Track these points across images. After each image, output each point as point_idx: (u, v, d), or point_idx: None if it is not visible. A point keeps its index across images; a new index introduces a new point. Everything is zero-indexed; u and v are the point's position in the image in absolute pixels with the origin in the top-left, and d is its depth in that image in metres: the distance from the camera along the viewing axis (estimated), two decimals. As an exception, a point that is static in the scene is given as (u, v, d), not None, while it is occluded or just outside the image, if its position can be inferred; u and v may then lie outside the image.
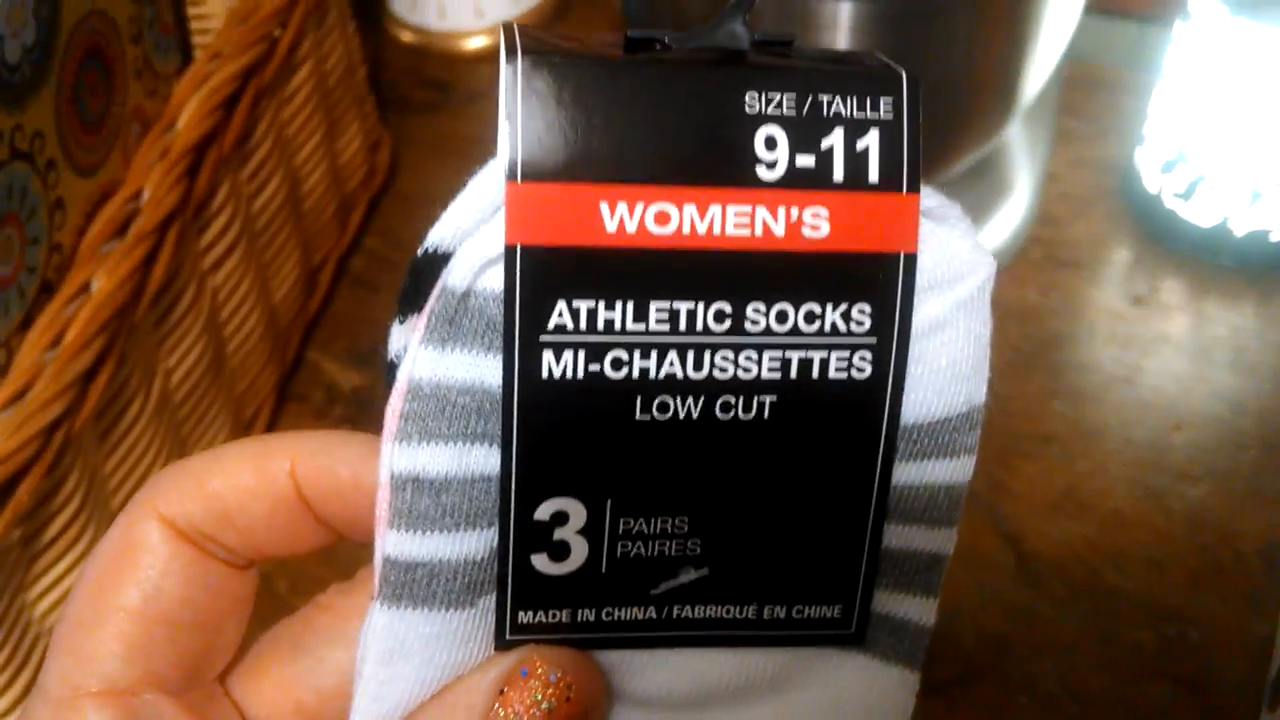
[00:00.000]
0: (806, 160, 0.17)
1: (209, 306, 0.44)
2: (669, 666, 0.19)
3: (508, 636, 0.18)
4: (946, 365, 0.18)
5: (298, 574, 0.47)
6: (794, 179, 0.17)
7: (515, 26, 0.17)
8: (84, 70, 0.38)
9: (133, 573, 0.19)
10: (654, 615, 0.18)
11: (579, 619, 0.18)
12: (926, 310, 0.18)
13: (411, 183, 0.60)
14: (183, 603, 0.19)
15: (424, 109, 0.63)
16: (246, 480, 0.19)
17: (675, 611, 0.18)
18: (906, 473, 0.18)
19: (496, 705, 0.18)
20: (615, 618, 0.18)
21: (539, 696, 0.18)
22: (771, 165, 0.17)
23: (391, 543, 0.18)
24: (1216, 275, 0.52)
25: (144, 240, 0.39)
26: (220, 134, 0.43)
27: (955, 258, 0.18)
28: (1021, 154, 0.55)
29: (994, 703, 0.42)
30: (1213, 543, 0.45)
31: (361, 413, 0.51)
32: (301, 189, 0.51)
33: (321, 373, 0.53)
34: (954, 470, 0.19)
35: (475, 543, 0.18)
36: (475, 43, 0.66)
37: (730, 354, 0.17)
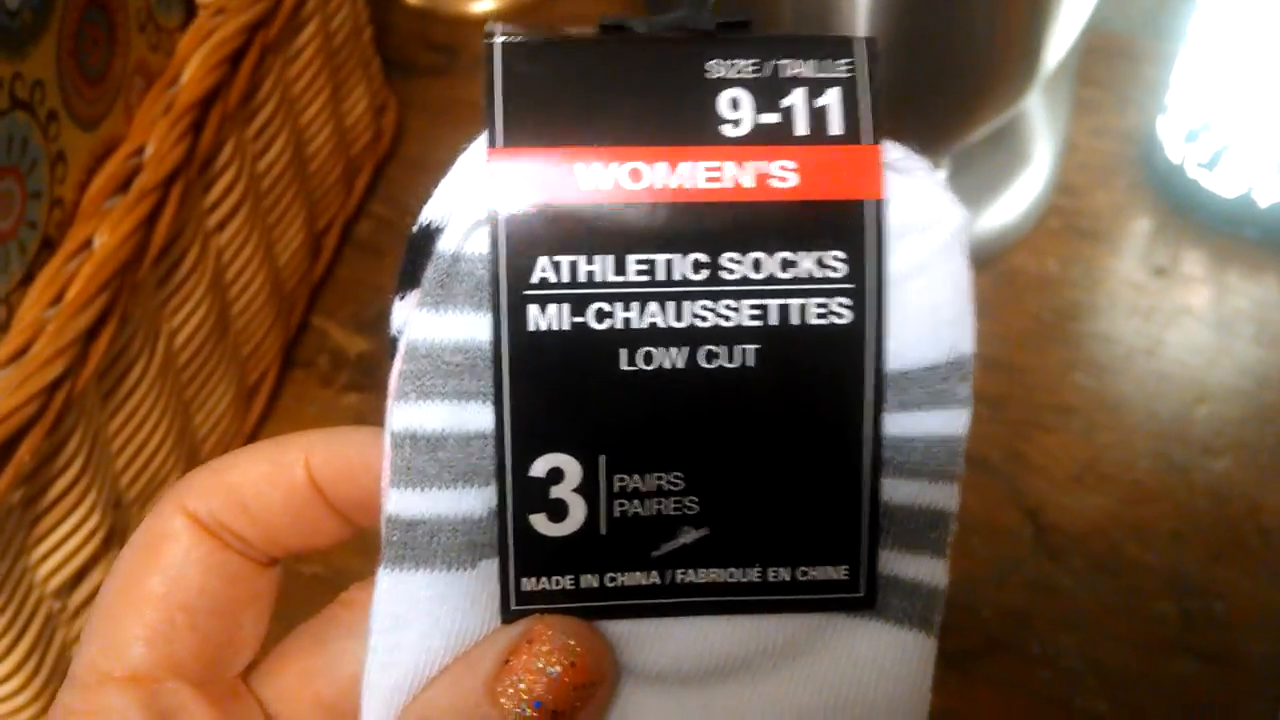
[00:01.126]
0: (770, 118, 0.18)
1: (213, 267, 0.43)
2: (677, 638, 0.19)
3: (513, 606, 0.18)
4: (927, 310, 0.18)
5: (326, 559, 0.46)
6: (758, 135, 0.18)
7: (496, 23, 0.18)
8: (86, 21, 0.37)
9: (157, 562, 0.19)
10: (657, 580, 0.18)
11: (583, 585, 0.18)
12: (901, 256, 0.18)
13: (417, 148, 0.59)
14: (202, 591, 0.20)
15: (430, 73, 0.62)
16: (261, 470, 0.20)
17: (678, 576, 0.18)
18: (899, 424, 0.19)
19: (503, 674, 0.18)
20: (619, 584, 0.18)
21: (542, 664, 0.18)
22: (736, 123, 0.18)
23: (392, 501, 0.18)
24: (1239, 247, 0.51)
25: (147, 196, 0.37)
26: (225, 90, 0.42)
27: (925, 205, 0.18)
28: (1041, 123, 0.54)
29: (1014, 676, 0.41)
30: (1237, 517, 0.44)
31: (367, 379, 0.50)
32: (307, 150, 0.50)
33: (327, 338, 0.52)
34: (948, 422, 0.19)
35: (474, 500, 0.18)
36: (481, 6, 0.64)
37: (709, 302, 0.18)
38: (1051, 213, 0.53)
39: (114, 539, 0.39)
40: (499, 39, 0.18)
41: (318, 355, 0.51)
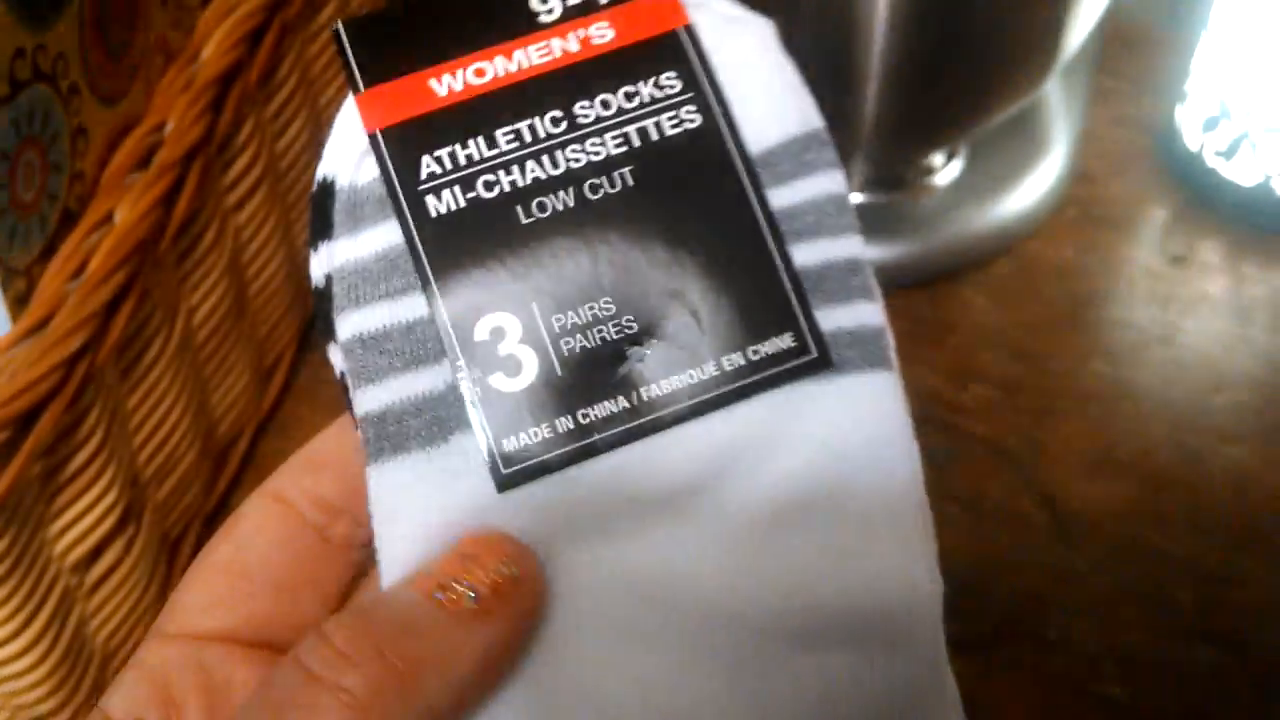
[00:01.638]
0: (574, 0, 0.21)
1: (231, 246, 0.43)
2: (666, 457, 0.20)
3: (504, 472, 0.20)
4: (764, 94, 0.21)
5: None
6: (570, 13, 0.21)
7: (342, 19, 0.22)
8: (107, -4, 0.37)
9: (230, 533, 0.21)
10: (626, 404, 0.20)
11: (560, 429, 0.20)
12: (722, 57, 0.21)
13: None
14: (265, 563, 0.20)
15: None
16: (346, 437, 0.21)
17: (644, 394, 0.20)
18: (782, 196, 0.21)
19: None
20: (593, 418, 0.20)
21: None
22: (550, 11, 0.21)
23: (359, 403, 0.20)
24: (1257, 236, 0.51)
25: (167, 172, 0.37)
26: (244, 68, 0.42)
27: (731, 20, 0.21)
28: (1058, 111, 0.54)
29: (1031, 661, 0.41)
30: (1255, 505, 0.44)
31: (382, 363, 0.50)
32: (325, 133, 0.50)
33: (342, 322, 0.52)
34: (826, 184, 0.21)
35: (430, 379, 0.20)
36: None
37: (576, 146, 0.20)
38: (1069, 201, 0.53)
39: (130, 516, 0.39)
40: (339, 23, 0.21)
41: (333, 337, 0.51)
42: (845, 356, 0.20)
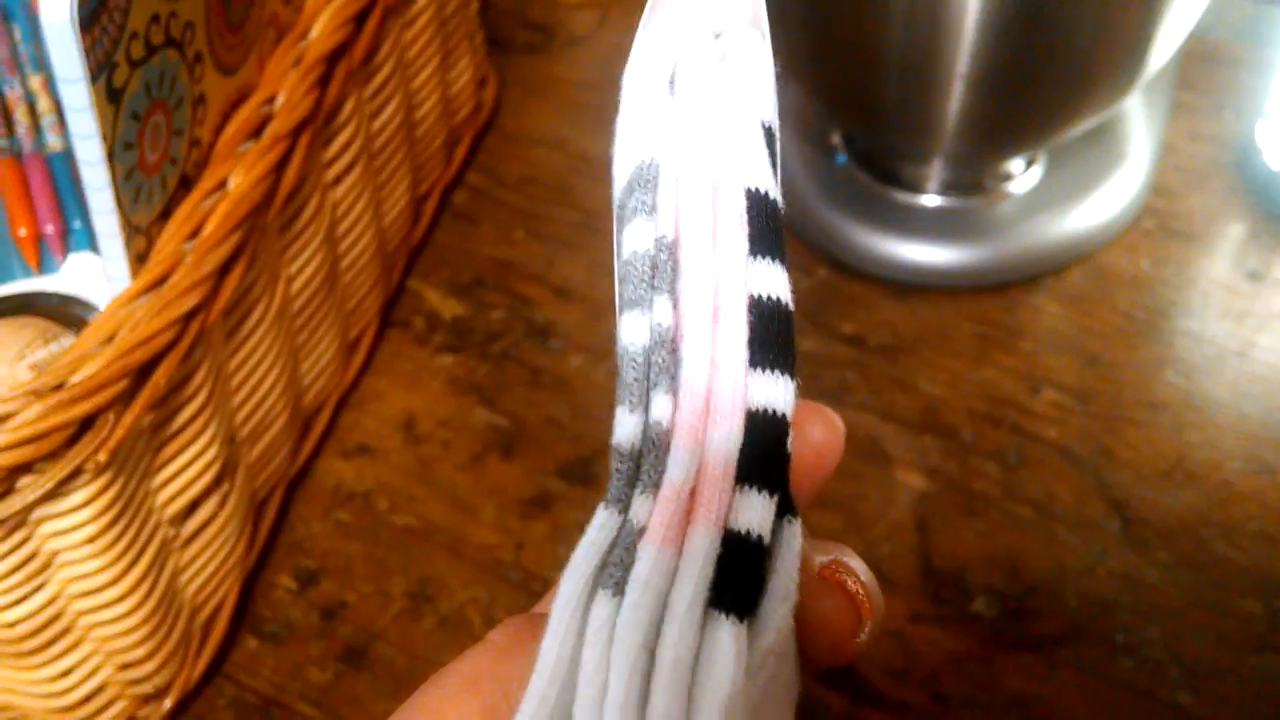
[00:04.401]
0: None
1: (329, 220, 0.45)
2: None
3: None
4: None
5: (397, 492, 0.47)
6: None
7: None
8: (227, -29, 0.38)
9: None
10: None
11: None
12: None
13: (513, 122, 0.60)
14: None
15: (526, 50, 0.63)
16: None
17: None
18: None
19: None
20: None
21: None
22: None
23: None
24: (1335, 256, 0.51)
25: (279, 143, 0.39)
26: (349, 47, 0.43)
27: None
28: (1139, 124, 0.54)
29: (1096, 663, 0.42)
30: (1327, 519, 0.44)
31: (460, 341, 0.51)
32: (416, 115, 0.51)
33: (423, 301, 0.53)
34: None
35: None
36: (580, -11, 0.65)
37: None
38: (1146, 213, 0.53)
39: (226, 473, 0.40)
40: None
41: (414, 316, 0.52)
42: None
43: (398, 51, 0.48)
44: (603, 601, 0.16)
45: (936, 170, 0.52)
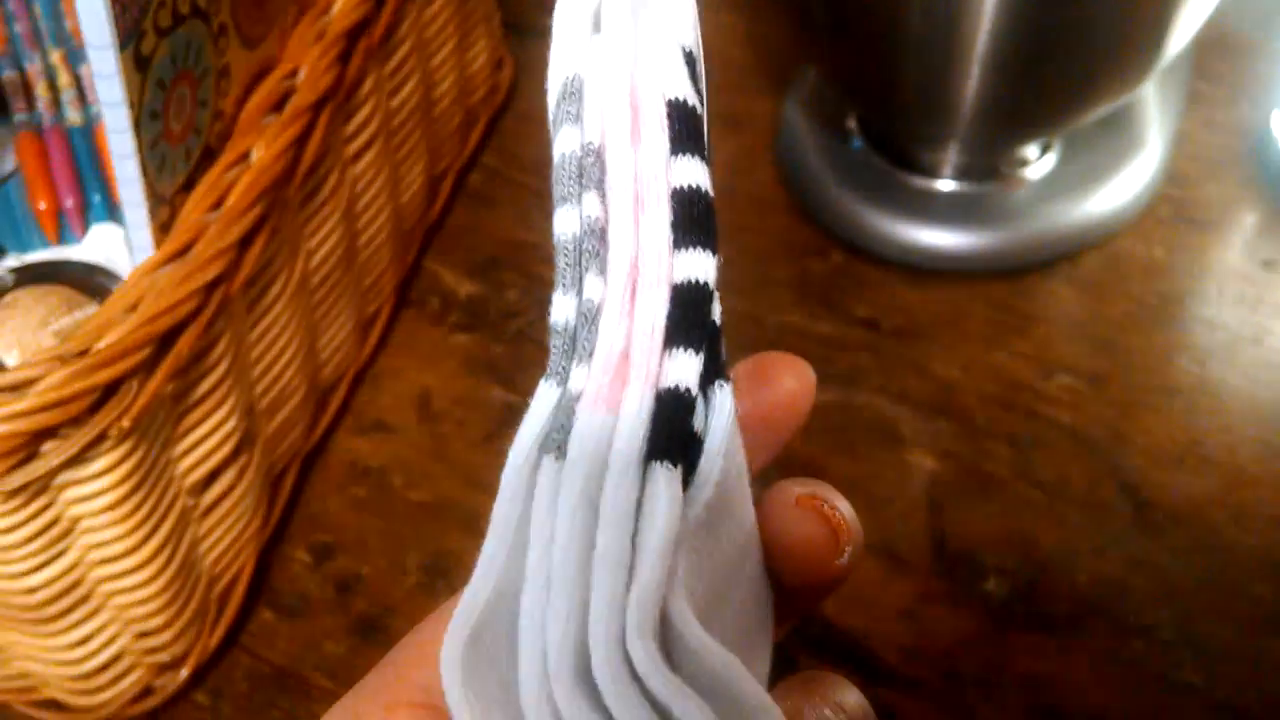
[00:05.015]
0: None
1: (348, 196, 0.45)
2: None
3: None
4: None
5: (412, 468, 0.47)
6: None
7: None
8: (251, -55, 0.38)
9: None
10: None
11: None
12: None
13: (528, 105, 0.60)
14: None
15: (541, 34, 0.62)
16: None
17: None
18: None
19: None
20: None
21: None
22: None
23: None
24: (1349, 245, 0.51)
25: (300, 116, 0.39)
26: (370, 24, 0.43)
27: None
28: (1154, 112, 0.54)
29: (1108, 644, 0.42)
30: (1339, 505, 0.44)
31: (475, 320, 0.51)
32: (433, 94, 0.51)
33: (438, 280, 0.53)
34: None
35: None
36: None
37: None
38: (1161, 201, 0.53)
39: (244, 445, 0.40)
40: None
41: (429, 295, 0.53)
42: None
43: (416, 30, 0.48)
44: (547, 465, 0.17)
45: (952, 155, 0.52)
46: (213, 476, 0.39)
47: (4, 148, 0.46)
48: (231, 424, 0.38)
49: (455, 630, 0.16)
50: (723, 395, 0.18)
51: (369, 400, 0.49)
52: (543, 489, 0.17)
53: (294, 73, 0.40)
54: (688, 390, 0.17)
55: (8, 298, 0.38)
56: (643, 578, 0.15)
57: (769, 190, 0.55)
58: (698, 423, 0.17)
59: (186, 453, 0.37)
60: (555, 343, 0.18)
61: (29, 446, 0.32)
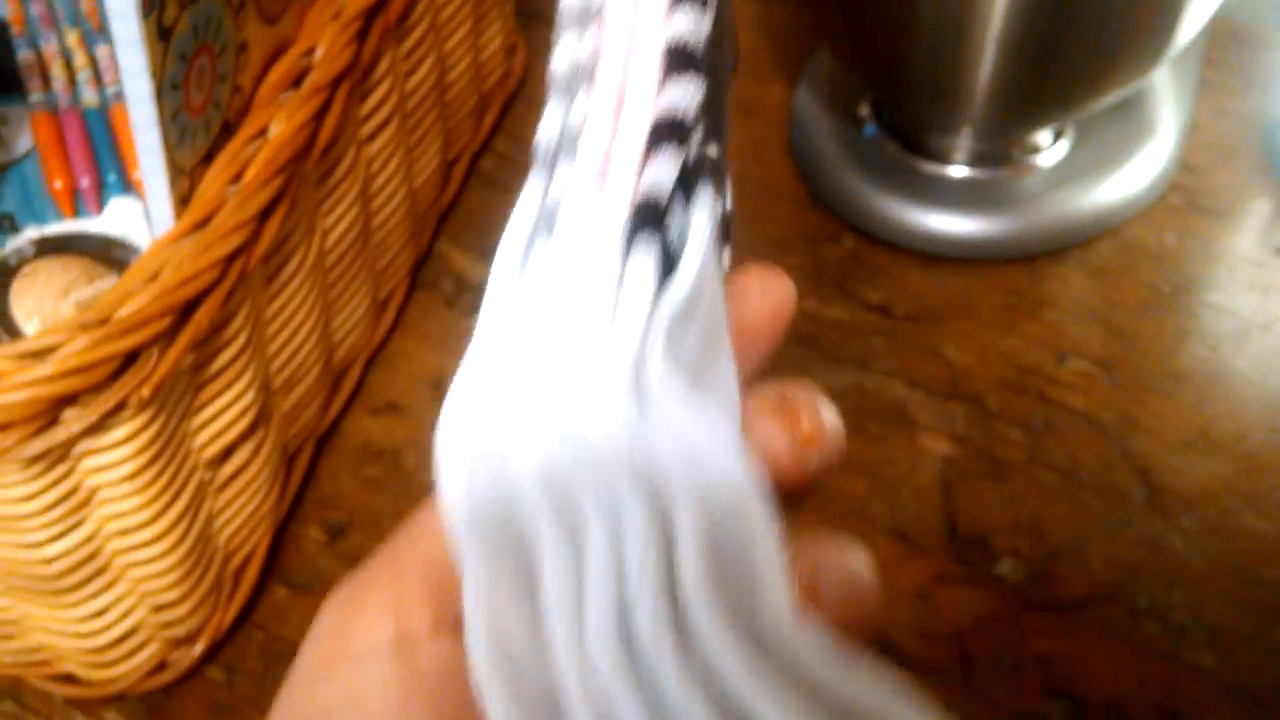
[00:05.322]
0: None
1: (364, 175, 0.45)
2: None
3: None
4: None
5: (425, 450, 0.47)
6: None
7: None
8: (270, -77, 0.38)
9: None
10: None
11: None
12: None
13: (541, 90, 0.60)
14: None
15: (553, 21, 0.63)
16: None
17: None
18: None
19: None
20: None
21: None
22: None
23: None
24: (1360, 233, 0.51)
25: (318, 93, 0.39)
26: (387, 4, 0.43)
27: None
28: (1165, 100, 0.55)
29: (1120, 626, 0.42)
30: (1351, 490, 0.44)
31: (489, 305, 0.52)
32: (447, 78, 0.52)
33: (451, 264, 0.53)
34: None
35: None
36: (608, -37, 0.65)
37: None
38: (1172, 189, 0.53)
39: (261, 419, 0.40)
40: None
41: (442, 278, 0.53)
42: None
43: (431, 13, 0.48)
44: (538, 247, 0.18)
45: (965, 141, 0.52)
46: (229, 451, 0.39)
47: (20, 127, 0.46)
48: (249, 398, 0.38)
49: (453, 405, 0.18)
50: (705, 193, 0.18)
51: (382, 382, 0.49)
52: (535, 267, 0.18)
53: (311, 50, 0.40)
54: (670, 179, 0.18)
55: (28, 268, 0.38)
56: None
57: (782, 176, 0.55)
58: (677, 209, 0.18)
59: (204, 425, 0.37)
60: (542, 149, 0.19)
61: (49, 413, 0.32)
